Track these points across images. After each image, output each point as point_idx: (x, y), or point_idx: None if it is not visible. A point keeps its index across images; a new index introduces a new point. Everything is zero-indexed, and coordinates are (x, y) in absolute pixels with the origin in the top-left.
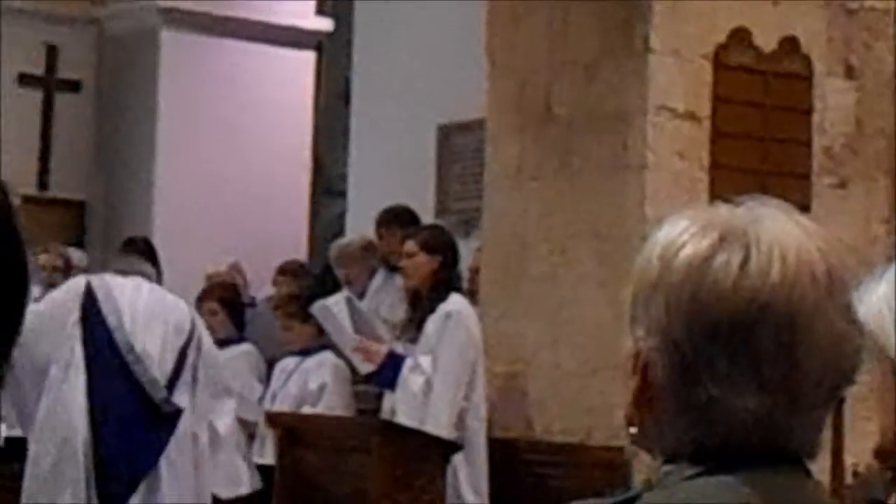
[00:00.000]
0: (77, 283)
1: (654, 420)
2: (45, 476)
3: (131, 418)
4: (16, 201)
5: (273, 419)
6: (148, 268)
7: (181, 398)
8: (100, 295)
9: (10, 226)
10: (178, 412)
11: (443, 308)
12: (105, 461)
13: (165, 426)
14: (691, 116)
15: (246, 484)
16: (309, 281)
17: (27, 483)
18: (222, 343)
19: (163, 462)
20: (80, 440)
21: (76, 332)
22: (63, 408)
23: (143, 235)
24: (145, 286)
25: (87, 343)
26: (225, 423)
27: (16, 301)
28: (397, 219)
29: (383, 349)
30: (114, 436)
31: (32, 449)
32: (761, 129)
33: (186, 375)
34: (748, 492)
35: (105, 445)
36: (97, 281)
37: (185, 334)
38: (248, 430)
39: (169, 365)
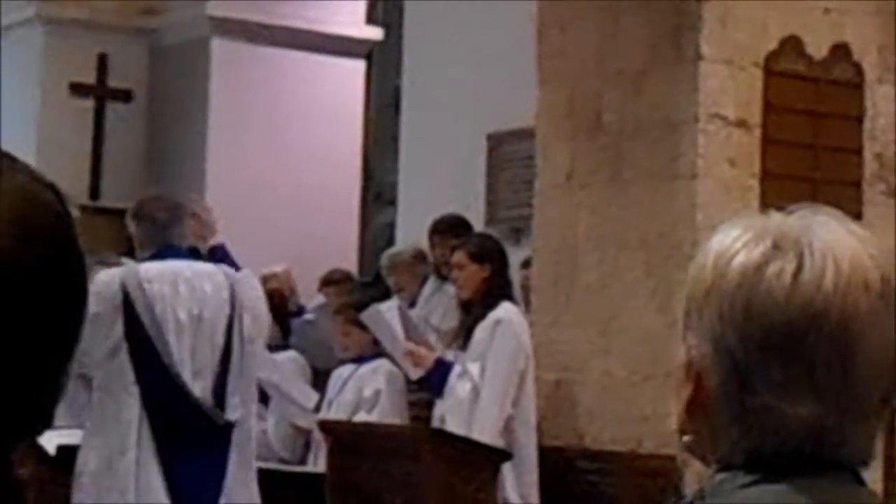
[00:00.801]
0: (112, 290)
1: (708, 428)
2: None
3: (190, 438)
4: (74, 212)
5: (325, 427)
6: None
7: (233, 399)
8: (138, 306)
9: (70, 237)
10: (230, 424)
11: (493, 315)
12: (178, 488)
13: (222, 439)
14: (742, 124)
15: None
16: (357, 289)
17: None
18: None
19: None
20: (133, 455)
21: (122, 352)
22: (114, 425)
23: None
24: (181, 277)
25: (133, 360)
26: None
27: (76, 314)
28: (449, 228)
29: (432, 355)
30: (179, 461)
31: (80, 460)
32: (812, 136)
33: (235, 365)
34: (802, 500)
35: (173, 470)
36: (132, 282)
37: (226, 320)
38: (304, 438)
39: (216, 367)
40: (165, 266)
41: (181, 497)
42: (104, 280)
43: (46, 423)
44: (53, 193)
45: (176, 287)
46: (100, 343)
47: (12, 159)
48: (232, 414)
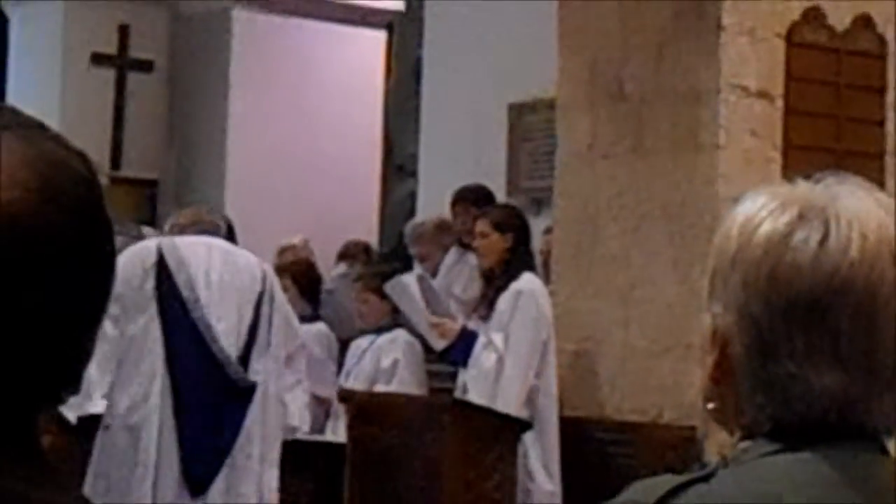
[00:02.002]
0: (148, 251)
1: (732, 396)
2: (115, 454)
3: (211, 398)
4: (103, 180)
5: (345, 397)
6: (217, 218)
7: (257, 365)
8: (172, 264)
9: (98, 204)
10: (253, 386)
11: (514, 286)
12: (188, 443)
13: (242, 402)
14: (764, 95)
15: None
16: (377, 260)
17: (95, 458)
18: None
19: (241, 438)
20: (155, 419)
21: (151, 306)
22: (139, 385)
23: (219, 213)
24: (216, 248)
25: (163, 319)
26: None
27: (103, 281)
28: (472, 197)
29: (457, 325)
30: (195, 416)
31: (104, 424)
32: (834, 107)
33: (262, 337)
34: (826, 469)
35: (187, 427)
36: (168, 246)
37: (256, 295)
38: (324, 408)
39: (244, 334)
40: (201, 237)
41: (190, 453)
42: (142, 243)
43: (72, 390)
44: (82, 161)
45: (210, 252)
46: (133, 297)
47: (42, 127)
48: (254, 377)
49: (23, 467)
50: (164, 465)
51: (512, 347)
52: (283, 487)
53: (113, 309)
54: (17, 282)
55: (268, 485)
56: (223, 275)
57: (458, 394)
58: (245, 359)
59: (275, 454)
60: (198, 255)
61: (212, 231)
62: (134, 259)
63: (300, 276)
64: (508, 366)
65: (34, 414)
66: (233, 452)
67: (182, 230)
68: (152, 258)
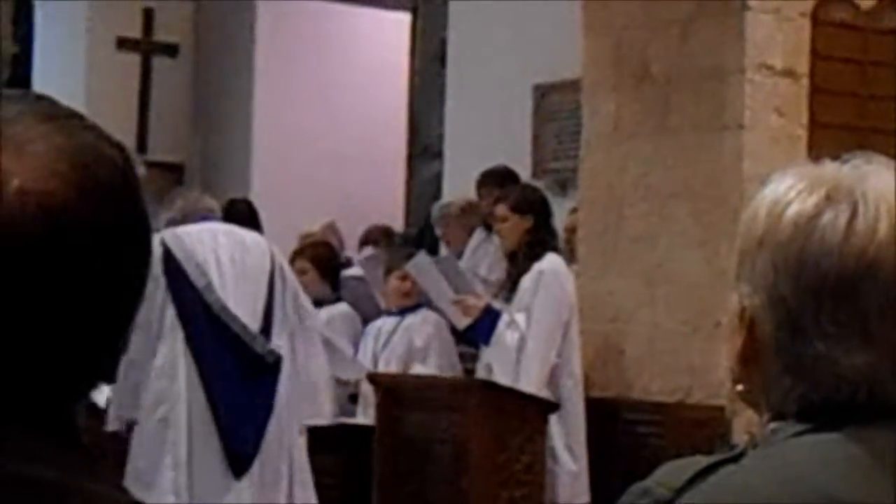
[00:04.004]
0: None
1: (760, 377)
2: (147, 443)
3: (239, 376)
4: (140, 171)
5: (374, 379)
6: (209, 201)
7: (278, 340)
8: (178, 255)
9: (135, 196)
10: (279, 360)
11: (537, 266)
12: (226, 424)
13: (271, 376)
14: (790, 74)
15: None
16: (401, 243)
17: (133, 449)
18: (315, 304)
19: (274, 412)
20: (184, 406)
21: (166, 298)
22: (162, 374)
23: (243, 196)
24: (219, 232)
25: (178, 308)
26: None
27: (139, 271)
28: (497, 179)
29: (481, 302)
30: (228, 397)
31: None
32: (860, 85)
33: (279, 312)
34: (854, 449)
35: (223, 408)
36: (170, 238)
37: (268, 272)
38: (347, 391)
39: (261, 310)
40: (201, 224)
41: (229, 435)
42: None
43: (108, 379)
44: (119, 151)
45: (215, 236)
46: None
47: (80, 118)
48: (278, 344)
49: (61, 456)
50: (200, 453)
51: (532, 328)
52: (312, 469)
53: None
54: (54, 272)
55: (298, 458)
56: (233, 255)
57: (480, 374)
58: (266, 334)
59: (302, 436)
60: (203, 241)
61: (210, 216)
62: None
63: (319, 258)
64: (529, 346)
65: (72, 403)
66: (267, 427)
67: (180, 222)
68: (158, 252)
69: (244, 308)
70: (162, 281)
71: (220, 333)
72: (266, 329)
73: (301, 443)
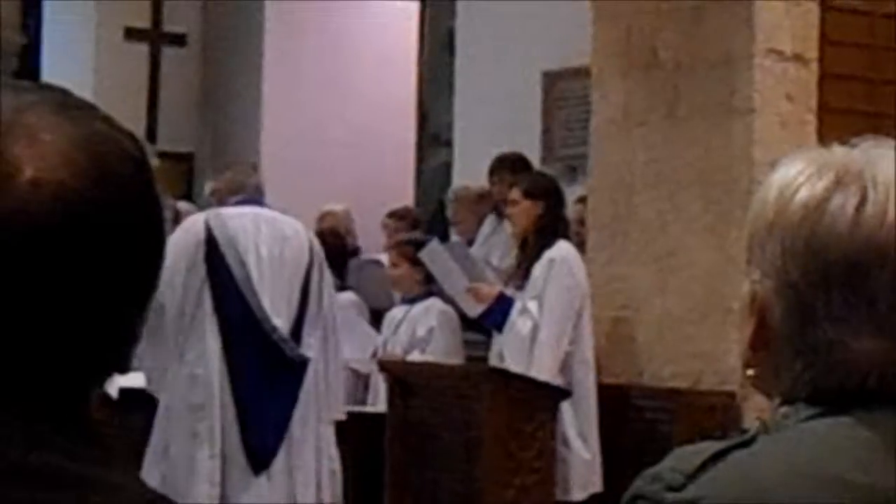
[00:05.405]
0: (196, 227)
1: (771, 362)
2: (178, 433)
3: (266, 375)
4: (154, 161)
5: (385, 367)
6: (257, 178)
7: (309, 338)
8: (221, 240)
9: (148, 185)
10: (306, 361)
11: (548, 254)
12: (248, 421)
13: (296, 376)
14: (799, 59)
15: None
16: (419, 225)
17: (157, 437)
18: None
19: (298, 410)
20: (217, 398)
21: (204, 286)
22: (196, 364)
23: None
24: (263, 221)
25: (215, 297)
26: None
27: (153, 261)
28: (509, 165)
29: (494, 289)
30: (252, 395)
31: (163, 404)
32: (869, 70)
33: (313, 307)
34: (865, 434)
35: (246, 405)
36: (214, 220)
37: (305, 265)
38: (362, 379)
39: (295, 307)
40: (246, 208)
41: (251, 431)
42: (191, 218)
43: (122, 369)
44: (132, 141)
45: (258, 226)
46: (182, 274)
47: (93, 108)
48: (307, 351)
49: (80, 447)
50: (226, 445)
51: (544, 316)
52: None
53: (165, 287)
54: (68, 262)
55: (327, 452)
56: (272, 248)
57: (492, 362)
58: (297, 332)
59: (331, 426)
60: (246, 230)
61: (256, 198)
62: (187, 236)
63: (327, 246)
64: (542, 333)
65: (86, 392)
66: (290, 425)
67: (224, 198)
68: (202, 235)
69: (277, 309)
70: (202, 268)
71: (252, 331)
72: (297, 327)
73: (329, 434)
